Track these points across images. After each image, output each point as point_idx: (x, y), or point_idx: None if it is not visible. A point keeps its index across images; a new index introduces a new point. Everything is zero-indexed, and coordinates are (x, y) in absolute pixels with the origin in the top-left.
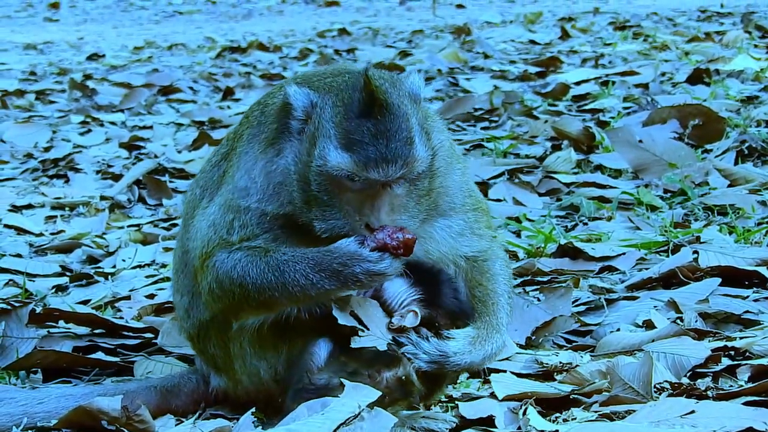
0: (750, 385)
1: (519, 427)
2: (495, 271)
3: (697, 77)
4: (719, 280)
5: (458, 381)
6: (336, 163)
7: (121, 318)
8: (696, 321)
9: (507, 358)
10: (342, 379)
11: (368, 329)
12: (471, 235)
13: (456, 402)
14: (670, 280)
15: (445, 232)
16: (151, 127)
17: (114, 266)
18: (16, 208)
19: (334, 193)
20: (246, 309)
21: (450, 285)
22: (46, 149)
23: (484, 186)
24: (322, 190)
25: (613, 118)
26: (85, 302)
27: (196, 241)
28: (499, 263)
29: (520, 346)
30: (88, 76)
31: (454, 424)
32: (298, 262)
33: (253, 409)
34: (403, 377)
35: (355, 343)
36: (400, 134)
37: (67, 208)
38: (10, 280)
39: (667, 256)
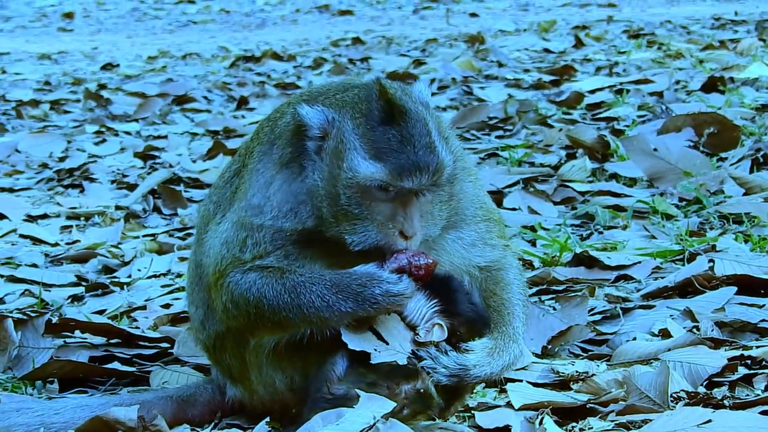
0: (766, 394)
1: None
2: (509, 280)
3: (712, 85)
4: (735, 288)
5: (475, 391)
6: (368, 174)
7: (137, 328)
8: (712, 330)
9: (523, 368)
10: (358, 390)
11: (388, 344)
12: (483, 245)
13: (472, 412)
14: (685, 289)
15: (456, 243)
16: (165, 137)
17: (129, 276)
18: (31, 218)
19: (365, 205)
20: (261, 329)
21: (462, 291)
22: (61, 159)
23: (498, 195)
24: (353, 202)
25: (627, 126)
26: (100, 312)
27: (210, 258)
28: (512, 272)
29: (537, 356)
30: (102, 86)
31: None
32: (315, 284)
33: (268, 419)
34: (422, 390)
35: (375, 358)
36: (424, 140)
37: (82, 218)
38: (26, 290)
39: (683, 265)
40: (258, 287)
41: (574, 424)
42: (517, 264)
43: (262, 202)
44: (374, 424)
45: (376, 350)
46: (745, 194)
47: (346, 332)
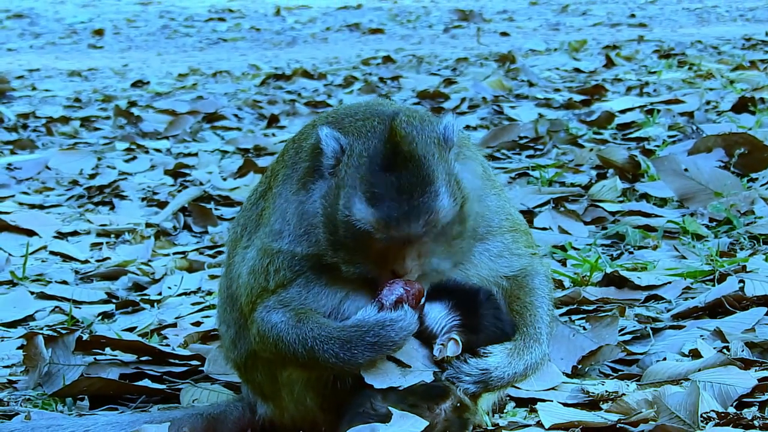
0: None
1: None
2: (533, 286)
3: (742, 106)
4: (765, 309)
5: (505, 410)
6: (360, 217)
7: (168, 345)
8: (742, 350)
9: (553, 388)
10: (390, 408)
11: (410, 367)
12: (510, 255)
13: (503, 431)
14: (716, 309)
15: (483, 255)
16: (196, 155)
17: (160, 293)
18: (61, 235)
19: (361, 240)
20: (288, 366)
21: (490, 306)
22: (92, 176)
23: (529, 214)
24: (349, 236)
25: (658, 146)
26: (131, 329)
27: (240, 288)
28: (539, 279)
29: (567, 375)
30: (132, 103)
31: None
32: (326, 342)
33: None
34: (458, 404)
35: (403, 383)
36: (423, 188)
37: (112, 235)
38: (56, 307)
39: (713, 285)
40: (277, 332)
41: None
42: (545, 271)
43: (282, 227)
44: None
45: (401, 376)
46: None
47: (367, 373)
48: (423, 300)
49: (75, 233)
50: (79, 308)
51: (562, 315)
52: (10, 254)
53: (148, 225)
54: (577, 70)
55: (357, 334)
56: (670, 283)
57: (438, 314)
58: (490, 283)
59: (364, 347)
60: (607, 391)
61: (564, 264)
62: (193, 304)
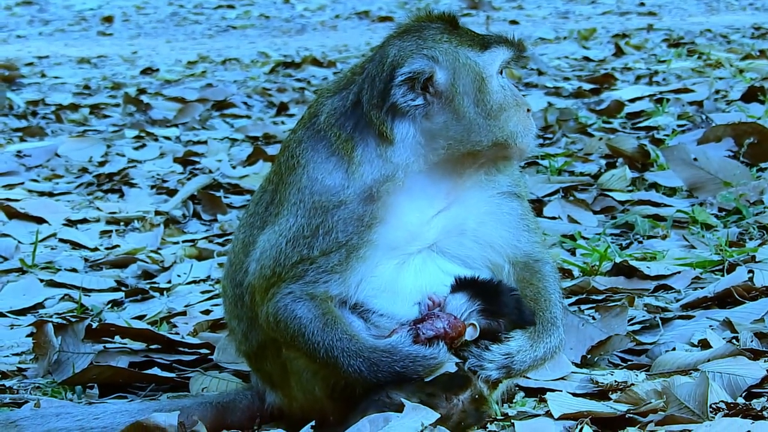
0: None
1: None
2: (545, 272)
3: (752, 95)
4: None
5: (514, 400)
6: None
7: (177, 334)
8: (752, 341)
9: (562, 378)
10: (404, 400)
11: None
12: (527, 229)
13: (512, 421)
14: (725, 300)
15: (505, 217)
16: (205, 142)
17: (169, 281)
18: (71, 223)
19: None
20: (295, 354)
21: (511, 295)
22: (101, 164)
23: (539, 204)
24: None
25: (667, 135)
26: (140, 317)
27: (259, 270)
28: (549, 266)
29: (576, 365)
30: (142, 91)
31: None
32: (353, 358)
33: (313, 423)
34: (477, 396)
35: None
36: None
37: (122, 223)
38: (65, 294)
39: (722, 275)
40: (299, 327)
41: None
42: (553, 261)
43: (341, 181)
44: (422, 431)
45: None
46: None
47: None
48: (446, 296)
49: (84, 221)
50: (89, 296)
51: (571, 305)
52: (19, 242)
53: (157, 213)
54: (587, 58)
55: (387, 360)
56: (679, 272)
57: (459, 301)
58: (503, 257)
59: (389, 373)
60: (616, 381)
61: (573, 253)
62: (202, 293)
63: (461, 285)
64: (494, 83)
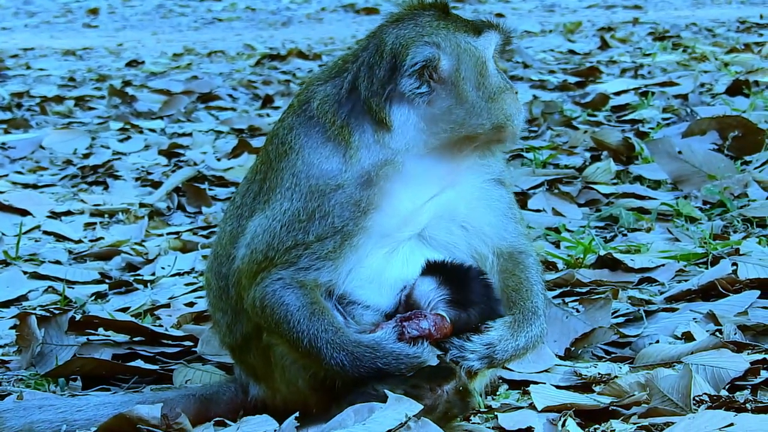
0: None
1: None
2: (528, 264)
3: (737, 88)
4: (758, 292)
5: (498, 392)
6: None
7: (161, 326)
8: (735, 333)
9: (546, 370)
10: (386, 391)
11: None
12: (513, 219)
13: (495, 413)
14: (709, 292)
15: (494, 204)
16: (190, 135)
17: (153, 274)
18: (55, 215)
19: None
20: (278, 341)
21: (481, 282)
22: (86, 156)
23: (523, 196)
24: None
25: (652, 128)
26: (124, 310)
27: (249, 254)
28: (532, 258)
29: (559, 357)
30: (127, 83)
31: None
32: (336, 350)
33: (297, 414)
34: (461, 388)
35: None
36: None
37: (106, 215)
38: (49, 286)
39: (706, 268)
40: (285, 314)
41: (596, 426)
42: (536, 254)
43: (339, 164)
44: (406, 422)
45: None
46: None
47: None
48: (415, 279)
49: (69, 213)
50: (73, 288)
51: (555, 297)
52: (3, 234)
53: (141, 205)
54: (572, 51)
55: (370, 355)
56: (663, 265)
57: (427, 287)
58: (489, 247)
59: (371, 368)
60: (599, 374)
61: (557, 246)
62: (186, 285)
63: (431, 269)
64: (491, 67)
